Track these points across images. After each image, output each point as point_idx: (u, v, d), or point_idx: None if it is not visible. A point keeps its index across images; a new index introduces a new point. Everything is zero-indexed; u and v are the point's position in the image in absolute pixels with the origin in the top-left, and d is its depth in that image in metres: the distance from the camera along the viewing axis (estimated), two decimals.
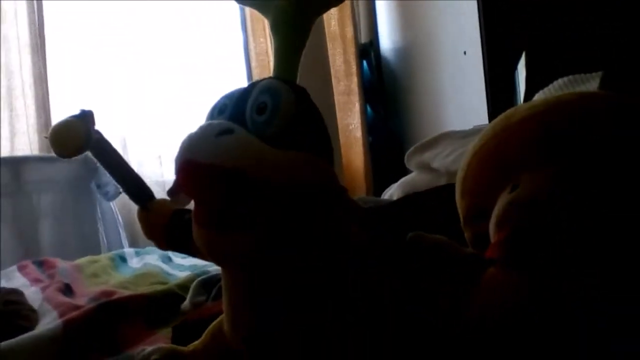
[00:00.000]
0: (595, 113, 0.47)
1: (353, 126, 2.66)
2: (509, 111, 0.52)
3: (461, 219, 0.56)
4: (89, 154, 0.61)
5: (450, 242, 0.50)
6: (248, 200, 0.46)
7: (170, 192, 0.52)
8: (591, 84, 0.89)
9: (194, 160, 0.46)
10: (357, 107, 2.64)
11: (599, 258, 0.42)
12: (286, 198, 0.47)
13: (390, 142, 2.65)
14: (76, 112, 0.60)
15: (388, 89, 2.68)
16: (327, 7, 0.55)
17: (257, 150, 0.47)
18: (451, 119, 2.32)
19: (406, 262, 0.48)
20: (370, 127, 2.69)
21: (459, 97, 2.28)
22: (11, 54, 2.14)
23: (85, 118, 0.59)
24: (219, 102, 0.53)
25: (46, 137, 0.58)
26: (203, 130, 0.48)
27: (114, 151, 0.62)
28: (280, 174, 0.47)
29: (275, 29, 0.54)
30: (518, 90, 2.08)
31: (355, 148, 2.63)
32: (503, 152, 0.51)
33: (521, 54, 2.05)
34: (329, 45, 2.59)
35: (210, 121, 0.51)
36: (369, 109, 2.72)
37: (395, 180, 1.49)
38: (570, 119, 0.48)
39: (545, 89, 1.02)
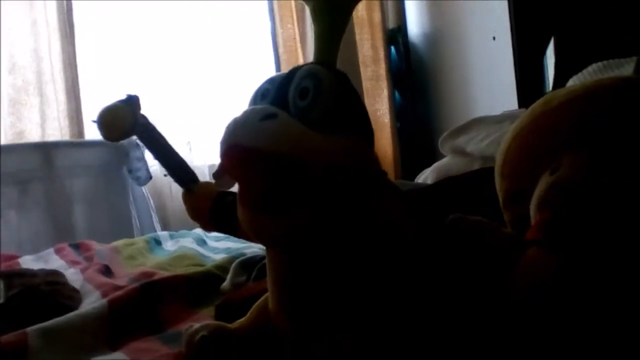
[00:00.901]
0: (634, 98, 0.47)
1: (381, 112, 2.66)
2: (547, 96, 0.53)
3: (501, 201, 0.57)
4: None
5: (491, 223, 0.51)
6: (291, 183, 0.47)
7: (215, 175, 0.54)
8: (625, 68, 0.88)
9: (239, 144, 0.48)
10: (385, 92, 2.63)
11: (636, 240, 0.43)
12: (328, 181, 0.48)
13: (418, 127, 2.65)
14: (122, 96, 0.62)
15: (416, 75, 2.67)
16: None
17: (300, 134, 0.48)
18: (480, 105, 2.31)
19: (448, 243, 0.49)
20: (398, 112, 2.68)
21: (487, 83, 2.27)
22: (40, 39, 2.16)
23: (132, 103, 0.61)
24: (261, 86, 0.54)
25: (94, 122, 0.60)
26: (247, 115, 0.49)
27: (160, 135, 0.64)
28: (323, 158, 0.48)
29: (317, 14, 0.54)
30: (547, 75, 2.06)
31: (383, 133, 2.63)
32: (543, 135, 0.51)
33: (550, 39, 2.03)
34: (357, 31, 2.59)
35: (253, 106, 0.52)
36: (397, 94, 2.71)
37: (424, 166, 1.50)
38: (610, 103, 0.48)
39: (580, 74, 1.01)
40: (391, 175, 2.55)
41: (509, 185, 0.55)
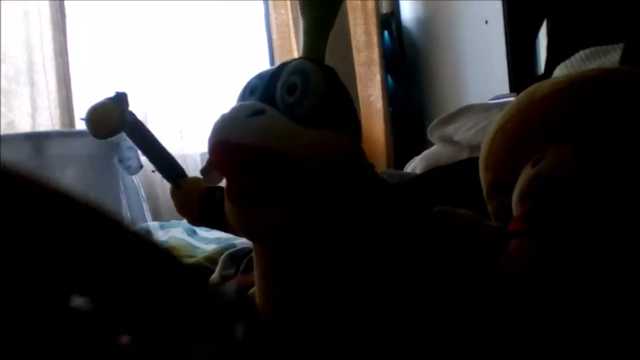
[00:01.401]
0: (617, 90, 0.48)
1: (374, 97, 2.66)
2: (532, 87, 0.53)
3: (484, 192, 0.58)
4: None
5: (475, 215, 0.52)
6: (279, 178, 0.48)
7: (203, 171, 0.54)
8: (612, 55, 0.89)
9: (227, 140, 0.48)
10: (378, 77, 2.63)
11: (618, 230, 0.44)
12: (316, 175, 0.49)
13: (411, 112, 2.65)
14: (111, 94, 0.62)
15: (409, 60, 2.67)
16: None
17: (288, 130, 0.49)
18: (472, 89, 2.32)
19: (434, 236, 0.50)
20: (391, 98, 2.68)
21: (480, 67, 2.27)
22: (32, 28, 2.15)
23: (120, 100, 0.61)
24: (249, 82, 0.55)
25: (82, 119, 0.61)
26: (235, 111, 0.50)
27: (148, 132, 0.65)
28: (310, 153, 0.49)
29: (305, 9, 0.55)
30: (539, 59, 2.07)
31: (375, 119, 2.64)
32: (527, 127, 0.52)
33: (542, 22, 2.03)
34: (350, 16, 2.58)
35: (242, 102, 0.53)
36: (390, 79, 2.71)
37: (416, 151, 1.50)
38: (593, 95, 0.49)
39: (567, 62, 1.02)
40: (383, 161, 2.56)
41: (492, 177, 0.55)
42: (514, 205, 0.51)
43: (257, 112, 0.49)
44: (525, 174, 0.50)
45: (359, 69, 2.60)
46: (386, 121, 2.63)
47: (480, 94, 2.06)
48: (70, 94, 2.19)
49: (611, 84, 0.49)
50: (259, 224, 0.50)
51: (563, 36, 1.90)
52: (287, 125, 0.49)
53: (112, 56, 2.29)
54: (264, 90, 0.52)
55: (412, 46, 2.65)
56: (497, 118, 0.57)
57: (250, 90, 0.54)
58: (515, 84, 2.01)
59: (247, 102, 0.51)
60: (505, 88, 2.00)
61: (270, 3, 2.49)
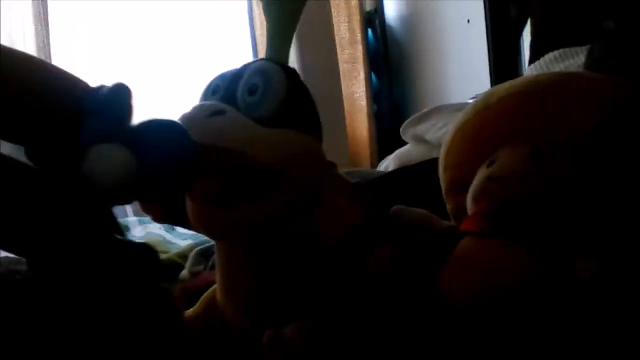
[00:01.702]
0: (567, 95, 0.50)
1: (358, 94, 2.67)
2: (489, 90, 0.55)
3: (444, 192, 0.59)
4: None
5: (430, 215, 0.53)
6: (239, 178, 0.49)
7: None
8: (580, 57, 0.90)
9: None
10: (362, 75, 2.63)
11: (566, 232, 0.45)
12: (276, 176, 0.50)
13: (395, 110, 2.67)
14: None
15: (393, 58, 2.68)
16: None
17: (248, 130, 0.50)
18: (455, 88, 2.33)
19: (390, 236, 0.51)
20: (375, 95, 2.69)
21: (462, 66, 2.29)
22: (14, 23, 2.14)
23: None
24: (212, 82, 0.56)
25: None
26: (196, 112, 0.51)
27: None
28: (270, 153, 0.50)
29: (268, 11, 0.56)
30: (523, 58, 2.09)
31: (360, 116, 2.64)
32: (482, 130, 0.54)
33: (525, 22, 2.04)
34: (334, 14, 2.58)
35: (203, 102, 0.54)
36: (374, 77, 2.72)
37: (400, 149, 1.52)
38: (546, 99, 0.50)
39: (537, 63, 1.04)
40: (367, 158, 2.58)
41: (451, 177, 0.57)
42: (468, 205, 0.52)
43: (218, 113, 0.50)
44: (480, 175, 0.51)
45: (343, 67, 2.61)
46: (370, 119, 2.64)
47: (462, 92, 2.08)
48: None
49: (562, 88, 0.51)
50: (220, 224, 0.51)
51: (547, 36, 1.92)
52: (247, 125, 0.50)
53: (95, 53, 2.29)
54: (226, 91, 0.53)
55: (395, 44, 2.66)
56: (456, 120, 0.58)
57: (212, 91, 0.55)
58: (497, 84, 2.02)
59: (208, 103, 0.52)
60: (487, 87, 2.02)
61: (254, 2, 2.49)
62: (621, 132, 0.47)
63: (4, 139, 0.30)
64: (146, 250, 0.32)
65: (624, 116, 0.47)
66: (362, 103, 2.64)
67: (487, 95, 0.56)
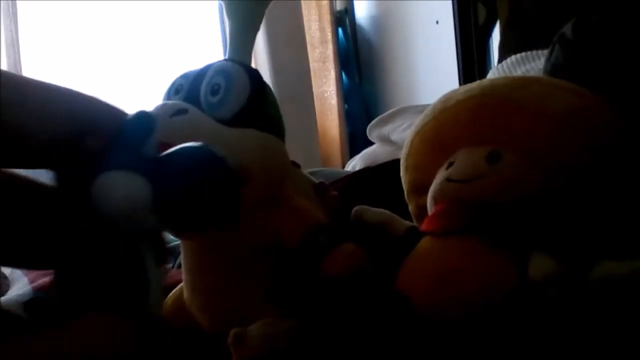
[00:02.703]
0: (521, 100, 0.51)
1: (328, 93, 2.68)
2: (447, 94, 0.56)
3: (405, 193, 0.60)
4: None
5: (391, 215, 0.54)
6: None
7: None
8: (541, 61, 0.92)
9: None
10: (332, 74, 2.65)
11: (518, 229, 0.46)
12: (238, 174, 0.50)
13: (365, 109, 2.68)
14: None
15: (363, 57, 2.70)
16: None
17: (210, 129, 0.50)
18: (424, 87, 2.36)
19: (349, 235, 0.52)
20: (346, 94, 2.71)
21: (432, 66, 2.31)
22: None
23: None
24: (175, 82, 0.56)
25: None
26: (158, 111, 0.51)
27: None
28: (232, 151, 0.50)
29: (229, 12, 0.56)
30: (491, 58, 2.12)
31: (330, 115, 2.66)
32: (440, 132, 0.55)
33: (494, 24, 2.08)
34: (304, 12, 2.59)
35: (165, 101, 0.54)
36: (344, 76, 2.74)
37: None
38: (499, 104, 0.52)
39: (499, 65, 1.06)
40: (338, 157, 2.59)
41: (411, 178, 0.58)
42: (428, 206, 0.53)
43: (180, 112, 0.50)
44: (439, 176, 0.52)
45: (313, 65, 2.62)
46: (341, 117, 2.66)
47: (431, 92, 2.10)
48: None
49: (517, 92, 0.52)
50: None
51: (515, 37, 1.95)
52: (209, 125, 0.50)
53: (64, 47, 2.26)
54: (189, 90, 0.53)
55: (366, 44, 2.68)
56: (416, 122, 0.59)
57: (175, 90, 0.55)
58: (466, 84, 2.05)
59: (171, 102, 0.52)
60: (456, 87, 2.04)
61: None
62: (572, 137, 0.49)
63: (30, 167, 0.30)
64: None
65: (575, 122, 0.49)
66: (333, 102, 2.65)
67: (445, 98, 0.57)
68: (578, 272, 0.41)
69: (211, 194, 0.30)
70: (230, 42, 0.57)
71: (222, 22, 2.49)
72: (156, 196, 0.28)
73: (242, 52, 0.56)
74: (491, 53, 2.10)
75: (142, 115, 0.32)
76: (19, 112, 0.26)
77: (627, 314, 0.39)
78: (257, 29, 0.57)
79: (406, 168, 0.59)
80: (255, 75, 0.55)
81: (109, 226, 0.29)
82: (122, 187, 0.28)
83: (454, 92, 0.56)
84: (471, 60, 2.11)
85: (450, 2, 2.08)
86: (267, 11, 0.59)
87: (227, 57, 0.57)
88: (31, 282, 0.84)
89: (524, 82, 0.55)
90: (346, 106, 2.69)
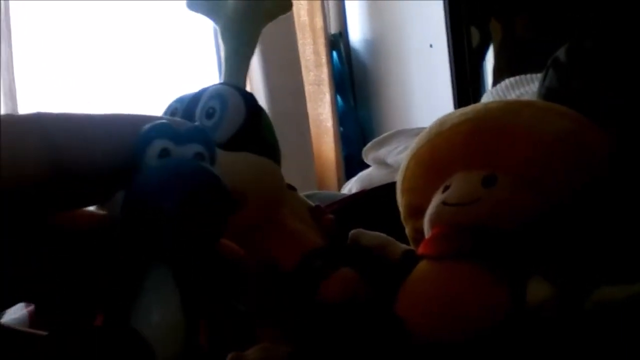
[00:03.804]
0: (516, 124, 0.51)
1: (324, 116, 2.69)
2: (441, 118, 0.56)
3: (402, 216, 0.60)
4: None
5: (388, 238, 0.54)
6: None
7: None
8: (535, 84, 0.93)
9: None
10: (327, 97, 2.66)
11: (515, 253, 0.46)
12: (234, 199, 0.50)
13: (360, 132, 2.69)
14: None
15: (358, 80, 2.72)
16: (273, 17, 0.58)
17: None
18: (419, 111, 2.37)
19: (346, 259, 0.52)
20: (341, 117, 2.72)
21: (426, 89, 2.33)
22: None
23: None
24: (170, 105, 0.56)
25: None
26: None
27: None
28: (231, 176, 0.50)
29: (224, 37, 0.56)
30: (485, 81, 2.13)
31: (325, 138, 2.67)
32: (435, 155, 0.55)
33: (487, 47, 2.10)
34: (299, 36, 2.61)
35: None
36: (339, 99, 2.75)
37: None
38: (494, 128, 0.52)
39: (493, 89, 1.07)
40: (333, 180, 2.59)
41: (407, 201, 0.58)
42: (425, 229, 0.53)
43: None
44: (435, 200, 0.52)
45: (308, 88, 2.63)
46: (336, 140, 2.66)
47: (426, 115, 2.12)
48: (16, 106, 2.15)
49: (512, 116, 0.52)
50: None
51: (509, 61, 1.97)
52: None
53: (59, 67, 2.27)
54: (184, 114, 0.53)
55: (360, 67, 2.70)
56: (412, 145, 0.59)
57: (170, 113, 0.55)
58: (460, 107, 2.06)
59: None
60: (450, 110, 2.05)
61: None
62: (565, 161, 0.49)
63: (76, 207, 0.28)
64: None
65: (568, 146, 0.49)
66: (328, 124, 2.66)
67: (440, 122, 0.57)
68: (575, 296, 0.41)
69: (203, 212, 0.26)
70: (225, 66, 0.57)
71: (217, 46, 2.51)
72: (125, 210, 0.26)
73: (237, 75, 0.56)
74: (485, 76, 2.12)
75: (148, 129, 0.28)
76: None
77: (625, 339, 0.38)
78: (252, 53, 0.57)
79: (402, 191, 0.59)
80: (250, 98, 0.55)
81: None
82: None
83: (449, 115, 0.56)
84: (465, 83, 2.13)
85: (444, 25, 2.10)
86: (261, 35, 0.59)
87: (222, 80, 0.57)
88: (27, 306, 0.83)
89: (517, 106, 0.55)
90: (341, 129, 2.70)
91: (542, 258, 0.47)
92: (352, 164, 2.64)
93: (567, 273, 0.44)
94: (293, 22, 2.52)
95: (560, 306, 0.41)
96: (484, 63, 2.13)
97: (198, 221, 0.24)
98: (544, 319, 0.41)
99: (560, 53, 0.73)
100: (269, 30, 0.60)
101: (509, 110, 0.53)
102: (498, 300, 0.44)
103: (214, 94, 0.54)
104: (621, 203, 0.49)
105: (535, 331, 0.41)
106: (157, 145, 0.25)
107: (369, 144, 1.28)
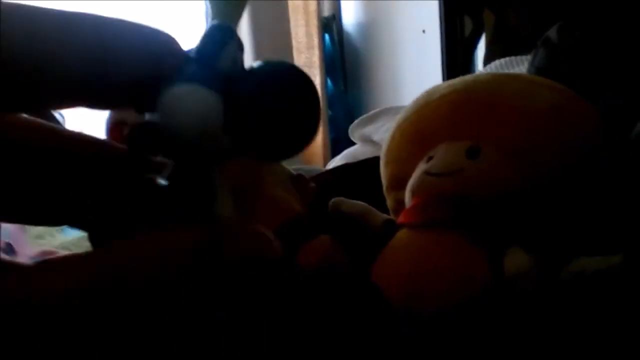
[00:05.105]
0: (503, 95, 0.50)
1: None
2: (430, 89, 0.55)
3: (384, 187, 0.59)
4: None
5: (368, 207, 0.53)
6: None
7: None
8: (525, 65, 0.92)
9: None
10: (317, 80, 2.64)
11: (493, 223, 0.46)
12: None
13: (350, 116, 2.68)
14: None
15: (349, 64, 2.70)
16: None
17: None
18: (409, 96, 2.34)
19: (328, 228, 0.51)
20: (330, 100, 2.71)
21: (417, 74, 2.32)
22: None
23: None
24: None
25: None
26: None
27: None
28: None
29: (214, 11, 0.55)
30: (476, 70, 2.13)
31: None
32: (422, 126, 0.54)
33: (480, 35, 2.09)
34: (292, 17, 2.59)
35: None
36: (329, 82, 2.73)
37: None
38: (481, 98, 0.51)
39: (483, 69, 1.06)
40: (320, 162, 2.58)
41: (391, 172, 0.57)
42: (406, 200, 0.52)
43: None
44: (418, 170, 0.52)
45: None
46: (325, 124, 2.65)
47: None
48: None
49: (500, 87, 0.52)
50: None
51: (500, 52, 1.96)
52: None
53: None
54: None
55: (352, 50, 2.69)
56: (398, 117, 0.58)
57: None
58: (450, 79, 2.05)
59: None
60: None
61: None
62: (551, 134, 0.48)
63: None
64: None
65: (555, 119, 0.49)
66: None
67: (428, 92, 0.56)
68: (554, 267, 0.41)
69: (296, 114, 0.25)
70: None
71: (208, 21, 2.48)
72: (231, 114, 0.25)
73: None
74: (476, 65, 2.11)
75: (216, 26, 0.26)
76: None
77: (600, 308, 0.38)
78: (237, 23, 0.56)
79: (386, 163, 0.58)
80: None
81: (176, 148, 0.25)
82: (192, 101, 0.25)
83: (437, 87, 0.55)
84: (456, 70, 2.12)
85: (438, 12, 2.09)
86: (253, 16, 0.58)
87: None
88: None
89: (506, 79, 0.54)
90: (330, 112, 2.69)
91: (524, 229, 0.46)
92: (339, 147, 2.63)
93: (548, 244, 0.44)
94: (286, 4, 2.50)
95: (539, 277, 0.40)
96: (475, 52, 2.13)
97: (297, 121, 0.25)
98: (521, 290, 0.40)
99: (552, 32, 0.73)
100: (261, 10, 0.59)
101: (497, 82, 0.53)
102: (477, 270, 0.43)
103: None
104: (606, 176, 0.49)
105: (512, 302, 0.41)
106: (231, 50, 0.25)
107: (355, 121, 1.27)
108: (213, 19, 0.56)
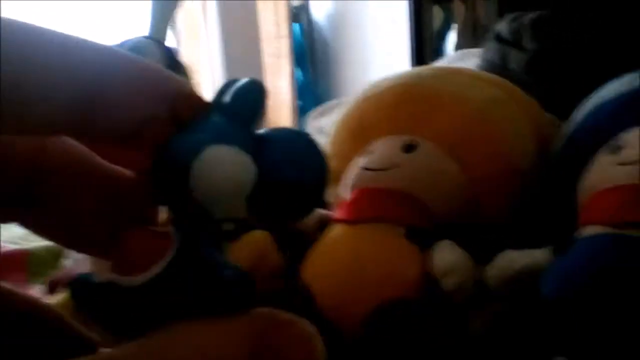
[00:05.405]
0: (443, 88, 0.50)
1: (281, 89, 2.65)
2: (377, 81, 0.55)
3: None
4: None
5: None
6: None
7: None
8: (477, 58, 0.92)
9: None
10: (286, 70, 2.62)
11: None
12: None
13: (318, 106, 2.67)
14: None
15: (318, 54, 2.69)
16: None
17: None
18: None
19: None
20: (299, 91, 2.69)
21: (386, 65, 2.31)
22: None
23: None
24: None
25: None
26: None
27: None
28: None
29: None
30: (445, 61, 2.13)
31: (283, 111, 2.63)
32: (363, 120, 0.54)
33: (449, 27, 2.09)
34: (260, 6, 2.56)
35: None
36: (299, 72, 2.72)
37: None
38: (421, 92, 0.50)
39: (441, 61, 1.06)
40: None
41: (334, 166, 0.56)
42: (342, 195, 0.52)
43: None
44: (355, 165, 0.51)
45: (267, 60, 2.59)
46: (294, 113, 2.63)
47: None
48: None
49: (439, 82, 0.51)
50: None
51: (470, 44, 1.97)
52: None
53: None
54: None
55: (321, 41, 2.67)
56: (343, 110, 0.58)
57: None
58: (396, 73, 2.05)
59: None
60: None
61: None
62: (489, 128, 0.48)
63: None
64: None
65: (493, 113, 0.48)
66: (286, 97, 2.63)
67: (372, 86, 0.56)
68: (482, 263, 0.40)
69: (311, 185, 0.25)
70: (150, 23, 0.55)
71: None
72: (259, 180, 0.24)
73: (158, 30, 0.54)
74: (445, 57, 2.12)
75: (253, 83, 0.25)
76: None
77: (525, 302, 0.38)
78: (175, 6, 0.55)
79: (330, 156, 0.57)
80: (170, 52, 0.53)
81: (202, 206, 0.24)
82: (233, 164, 0.23)
83: (382, 80, 0.55)
84: (425, 62, 2.12)
85: (407, 2, 2.09)
86: (221, 5, 0.57)
87: (146, 35, 0.55)
88: None
89: (448, 73, 0.54)
90: (300, 102, 2.67)
91: (459, 225, 0.46)
92: None
93: (480, 240, 0.44)
94: None
95: (466, 274, 0.40)
96: (444, 43, 2.13)
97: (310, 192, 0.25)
98: (445, 286, 0.40)
99: (502, 27, 0.72)
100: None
101: (439, 76, 0.52)
102: (409, 267, 0.43)
103: (133, 46, 0.52)
104: (544, 172, 0.48)
105: (440, 299, 0.41)
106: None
107: (311, 113, 1.27)
108: (151, 17, 0.55)
